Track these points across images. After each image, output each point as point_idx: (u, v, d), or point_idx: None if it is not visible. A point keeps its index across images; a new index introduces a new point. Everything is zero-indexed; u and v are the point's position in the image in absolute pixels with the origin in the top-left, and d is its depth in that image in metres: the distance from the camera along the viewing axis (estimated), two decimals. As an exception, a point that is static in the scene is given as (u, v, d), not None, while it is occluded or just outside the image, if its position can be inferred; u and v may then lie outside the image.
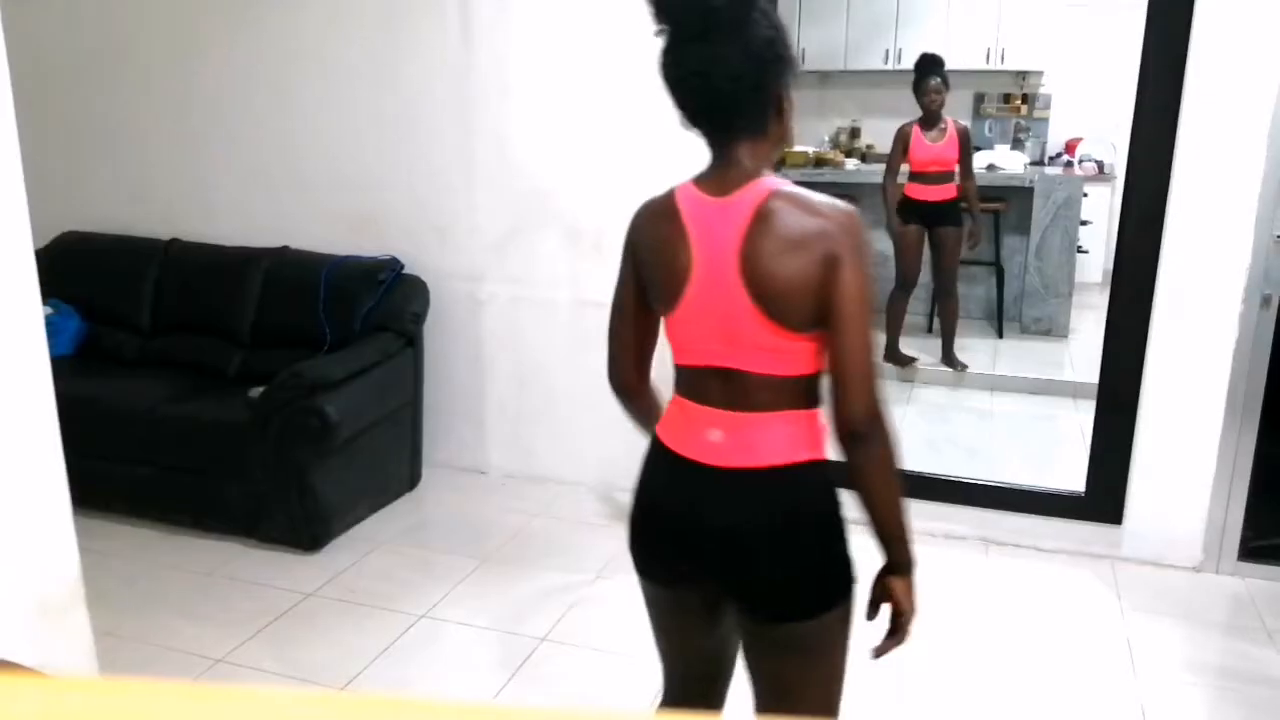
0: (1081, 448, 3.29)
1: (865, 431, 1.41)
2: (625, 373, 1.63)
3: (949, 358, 5.11)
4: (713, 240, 1.42)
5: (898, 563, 1.60)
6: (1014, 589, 3.13)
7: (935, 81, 4.74)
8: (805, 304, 1.39)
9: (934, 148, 4.83)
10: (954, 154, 4.83)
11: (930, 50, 4.94)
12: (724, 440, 1.45)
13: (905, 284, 5.09)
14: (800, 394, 1.45)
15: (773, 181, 1.42)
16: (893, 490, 1.47)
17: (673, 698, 1.72)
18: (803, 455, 1.45)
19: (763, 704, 1.58)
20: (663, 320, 1.55)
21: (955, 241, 5.00)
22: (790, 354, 1.42)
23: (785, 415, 1.44)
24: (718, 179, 1.44)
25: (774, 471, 1.44)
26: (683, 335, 1.49)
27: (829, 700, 1.59)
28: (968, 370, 5.09)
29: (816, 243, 1.37)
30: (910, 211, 4.97)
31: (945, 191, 4.90)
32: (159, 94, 4.10)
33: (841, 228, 1.39)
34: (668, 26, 1.39)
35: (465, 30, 3.61)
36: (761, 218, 1.39)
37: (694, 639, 1.64)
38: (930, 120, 4.82)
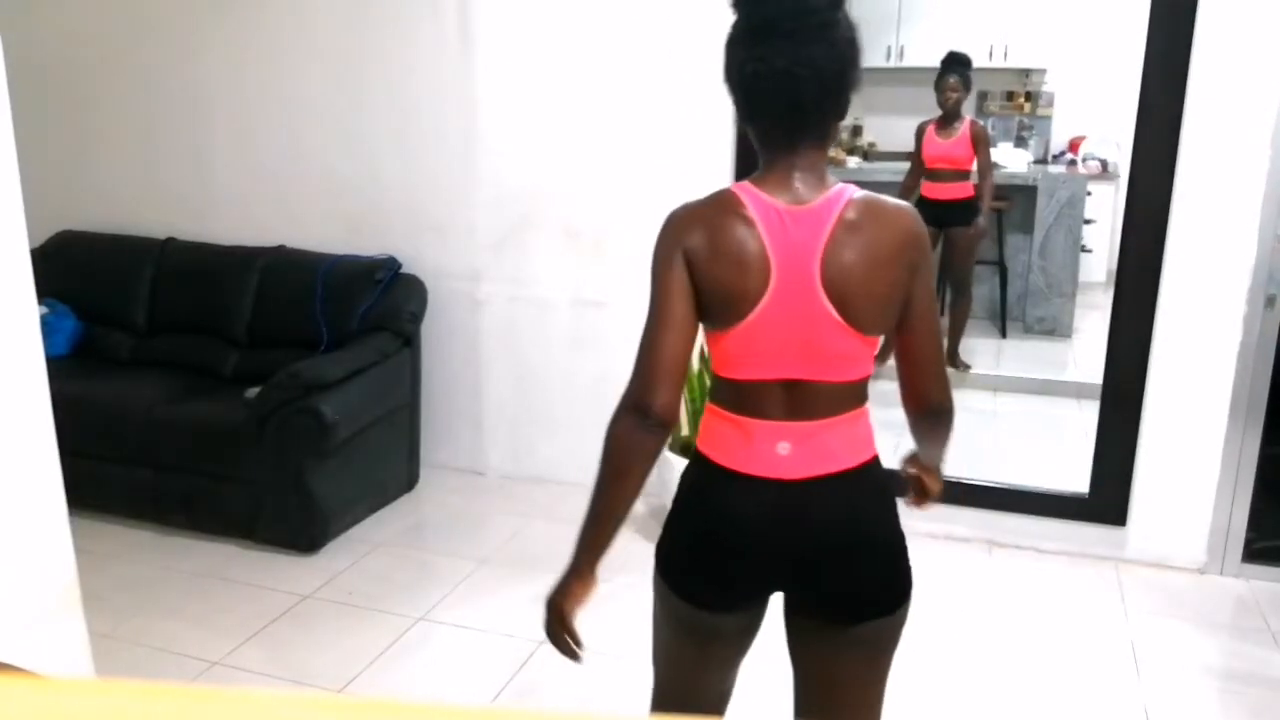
0: (1085, 448, 3.28)
1: (948, 409, 1.54)
2: (669, 398, 1.40)
3: (953, 358, 5.11)
4: (792, 250, 1.36)
5: (938, 469, 1.72)
6: (1017, 590, 3.12)
7: (953, 79, 4.78)
8: (888, 312, 1.42)
9: (943, 144, 4.87)
10: (965, 152, 4.85)
11: (959, 49, 4.94)
12: (793, 452, 1.42)
13: None
14: (858, 396, 1.47)
15: (846, 188, 1.40)
16: (946, 438, 1.61)
17: (670, 713, 1.66)
18: (867, 455, 1.47)
19: (824, 705, 1.56)
20: (709, 334, 1.45)
21: (967, 241, 5.01)
22: (860, 359, 1.43)
23: (846, 418, 1.45)
24: (784, 183, 1.39)
25: (846, 476, 1.44)
26: (747, 349, 1.41)
27: (881, 694, 1.59)
28: (970, 370, 5.08)
29: (903, 253, 1.39)
30: (923, 211, 4.97)
31: (957, 190, 4.92)
32: (156, 93, 4.09)
33: (921, 235, 1.42)
34: (756, 21, 1.35)
35: (464, 30, 3.60)
36: (844, 227, 1.37)
37: (724, 667, 1.60)
38: (947, 118, 4.86)
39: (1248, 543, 3.16)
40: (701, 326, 1.44)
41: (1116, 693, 2.60)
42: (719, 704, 1.65)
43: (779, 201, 1.38)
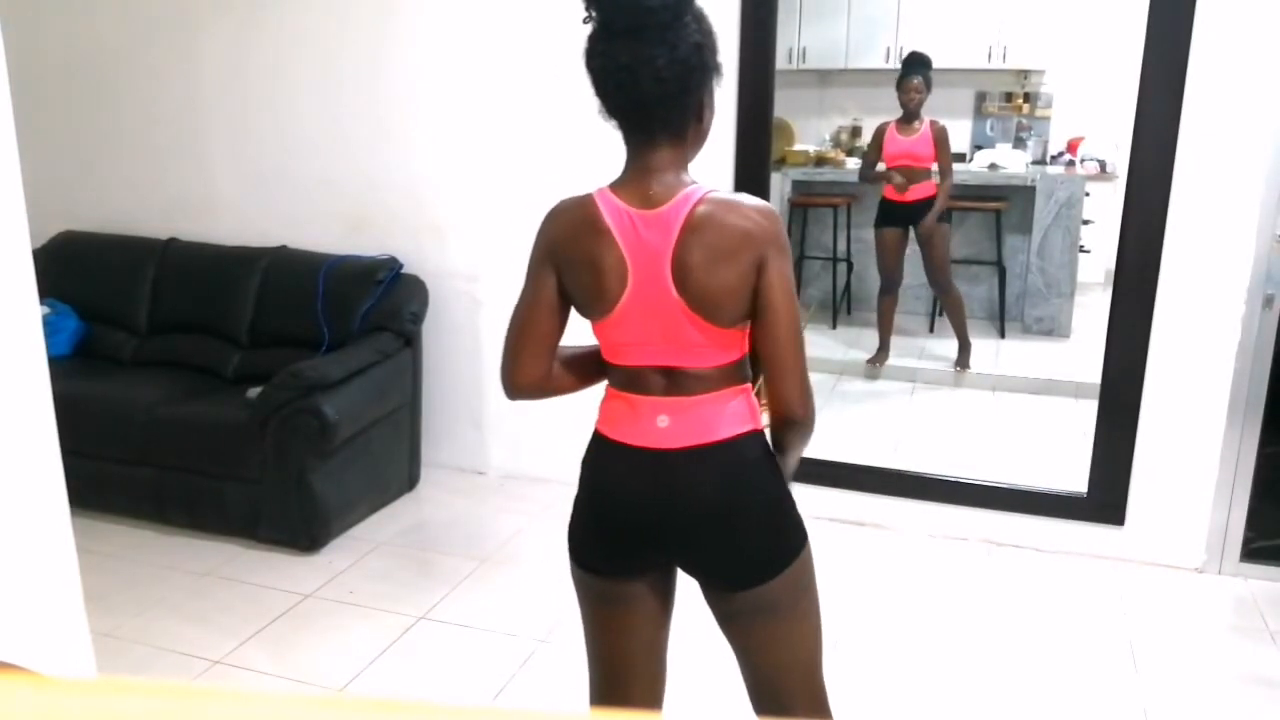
0: (1084, 448, 3.29)
1: (801, 418, 1.53)
2: (532, 370, 1.57)
3: (963, 356, 5.09)
4: (645, 253, 1.45)
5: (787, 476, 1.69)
6: (1016, 590, 3.13)
7: (916, 80, 4.81)
8: (738, 305, 1.47)
9: (905, 142, 4.88)
10: (926, 150, 4.86)
11: (920, 49, 4.98)
12: (671, 424, 1.51)
13: (887, 285, 5.15)
14: (732, 377, 1.54)
15: (696, 190, 1.46)
16: (799, 451, 1.63)
17: (608, 698, 1.71)
18: (745, 427, 1.54)
19: (755, 675, 1.65)
20: (590, 324, 1.56)
21: (938, 238, 5.02)
22: (723, 346, 1.51)
23: (724, 394, 1.53)
24: (639, 188, 1.47)
25: (721, 446, 1.52)
26: (618, 340, 1.53)
27: (814, 652, 1.67)
28: (967, 370, 5.08)
29: (745, 249, 1.44)
30: (887, 213, 5.03)
31: (919, 190, 4.93)
32: (157, 94, 4.10)
33: (766, 231, 1.45)
34: (602, 19, 1.41)
35: (463, 29, 3.60)
36: (690, 230, 1.44)
37: (643, 636, 1.67)
38: (908, 118, 4.87)
39: (1246, 542, 3.16)
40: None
41: (1115, 692, 2.60)
42: (652, 683, 1.72)
43: (632, 206, 1.47)
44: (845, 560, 3.29)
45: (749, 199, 1.48)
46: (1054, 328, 5.72)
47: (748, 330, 1.52)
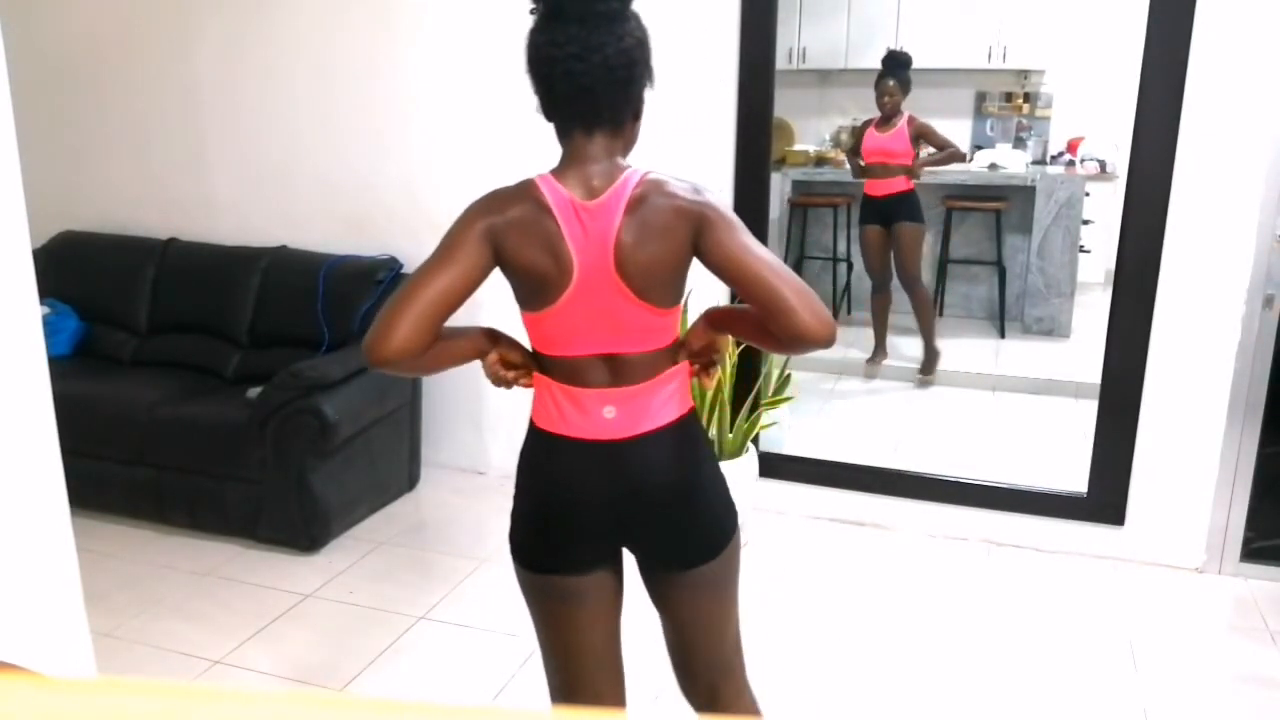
0: (1083, 448, 3.28)
1: (825, 338, 1.43)
2: (415, 340, 1.43)
3: (928, 363, 5.08)
4: (590, 242, 1.47)
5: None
6: (1016, 590, 3.13)
7: (890, 83, 4.84)
8: (674, 283, 1.52)
9: (880, 138, 4.92)
10: (902, 146, 4.89)
11: (902, 49, 5.02)
12: (619, 414, 1.54)
13: (876, 284, 5.17)
14: (669, 357, 1.58)
15: (633, 173, 1.49)
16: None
17: (577, 695, 1.73)
18: (684, 409, 1.59)
19: (691, 650, 1.71)
20: (525, 316, 1.56)
21: (911, 237, 5.04)
22: (665, 329, 1.55)
23: (663, 378, 1.56)
24: (580, 178, 1.49)
25: (668, 429, 1.56)
26: (559, 331, 1.52)
27: (736, 623, 1.75)
28: (932, 380, 5.06)
29: (676, 227, 1.46)
30: (868, 210, 5.06)
31: (894, 184, 4.96)
32: (157, 93, 4.10)
33: (694, 204, 1.47)
34: (550, 6, 1.44)
35: (462, 29, 3.60)
36: (628, 214, 1.46)
37: (601, 631, 1.70)
38: (885, 119, 4.91)
39: (1246, 542, 3.16)
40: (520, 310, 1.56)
41: (1115, 692, 2.60)
42: (615, 673, 1.75)
43: (575, 195, 1.48)
44: (845, 560, 3.29)
45: (678, 178, 1.50)
46: (1054, 328, 5.72)
47: (679, 312, 1.58)
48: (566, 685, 1.73)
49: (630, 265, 1.46)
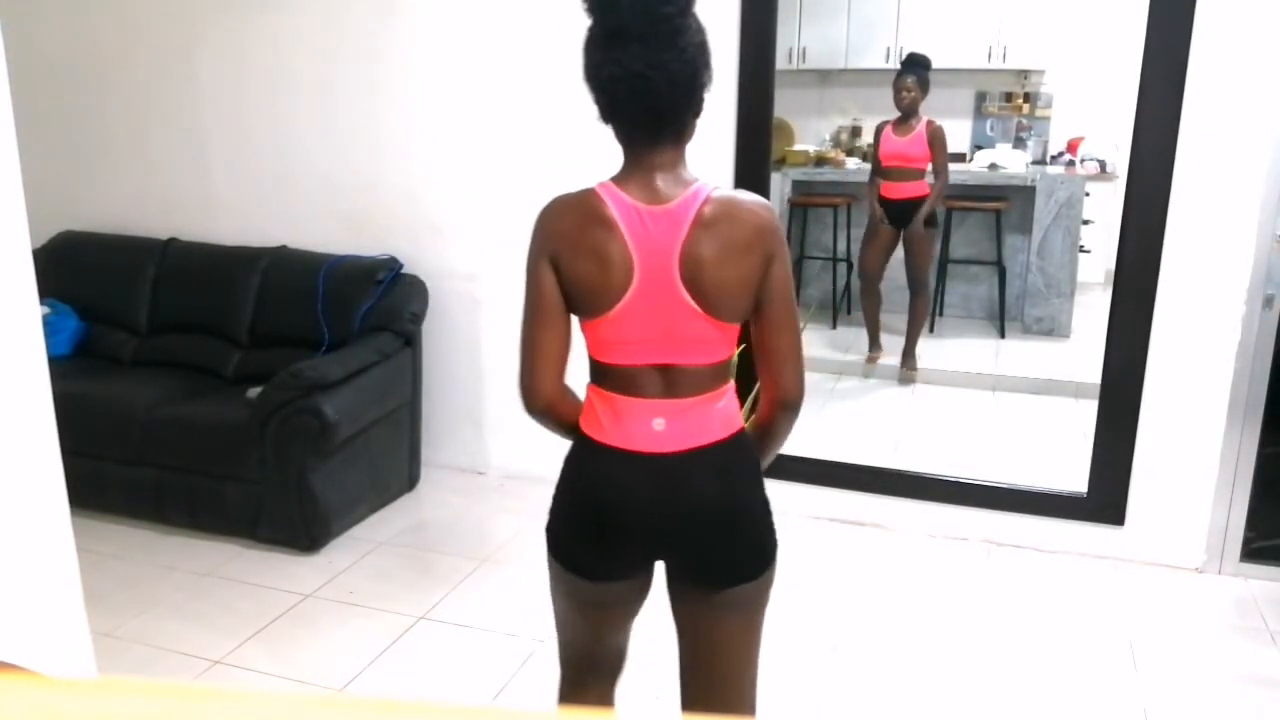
0: (1083, 448, 3.28)
1: (797, 404, 1.60)
2: (550, 385, 1.57)
3: (907, 357, 5.09)
4: (653, 248, 1.46)
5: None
6: (1016, 590, 3.13)
7: (909, 80, 4.82)
8: (745, 301, 1.51)
9: (899, 142, 4.90)
10: (920, 151, 4.87)
11: (920, 50, 5.00)
12: (667, 427, 1.53)
13: (866, 282, 5.17)
14: (723, 375, 1.58)
15: (702, 187, 1.48)
16: (784, 440, 1.70)
17: (579, 693, 1.78)
18: (734, 428, 1.58)
19: (706, 672, 1.69)
20: (581, 323, 1.56)
21: (924, 242, 5.04)
22: (722, 343, 1.54)
23: (714, 395, 1.56)
24: (644, 184, 1.48)
25: (716, 447, 1.55)
26: (616, 337, 1.52)
27: (756, 653, 1.71)
28: (917, 373, 5.06)
29: (755, 245, 1.47)
30: (882, 211, 5.03)
31: (912, 189, 4.95)
32: (157, 93, 4.10)
33: (773, 225, 1.50)
34: (610, 26, 1.41)
35: (463, 28, 3.60)
36: (699, 225, 1.45)
37: (619, 633, 1.73)
38: (903, 117, 4.89)
39: (1246, 542, 3.16)
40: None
41: (1115, 692, 2.60)
42: (617, 661, 1.80)
43: (639, 201, 1.48)
44: (845, 560, 3.29)
45: (752, 195, 1.52)
46: (1054, 328, 5.72)
47: (738, 329, 1.56)
48: (574, 667, 1.78)
49: (701, 278, 1.45)
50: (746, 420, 1.65)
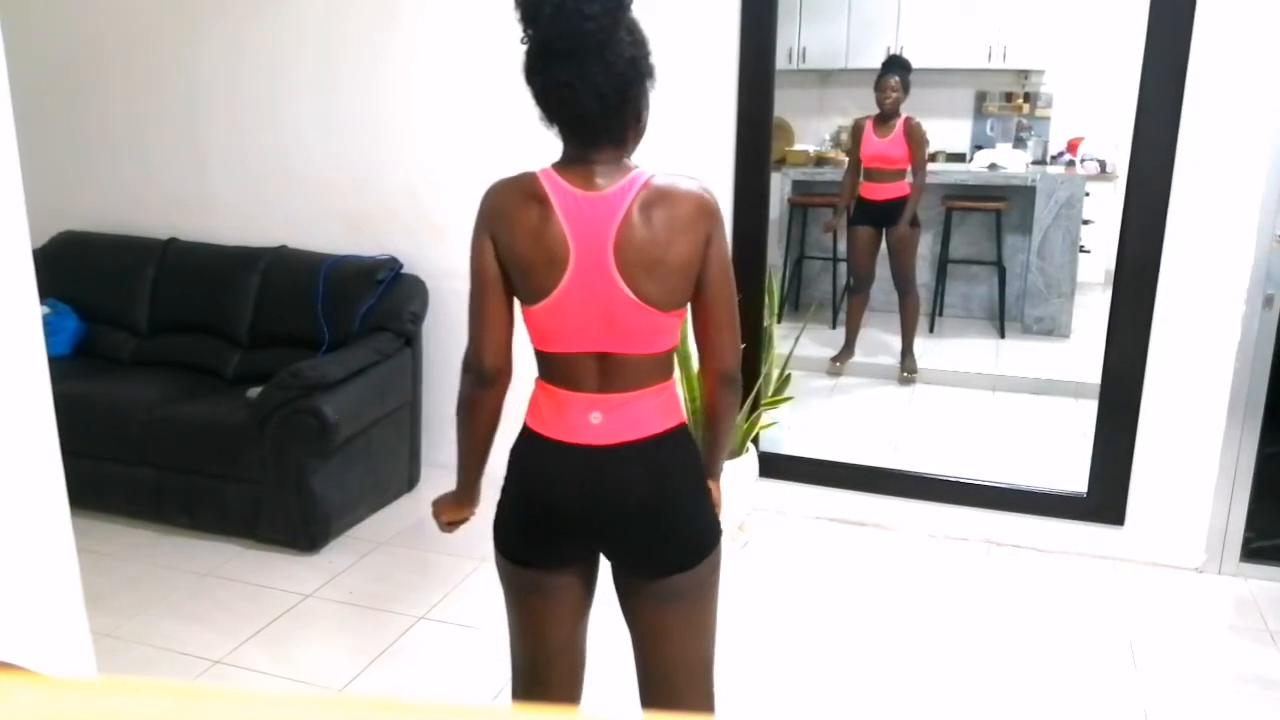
0: (1083, 448, 3.28)
1: (735, 376, 1.64)
2: (497, 353, 1.61)
3: (906, 359, 5.10)
4: (588, 234, 1.48)
5: (718, 471, 1.79)
6: (1016, 590, 3.13)
7: (892, 80, 4.84)
8: (684, 286, 1.53)
9: (880, 143, 4.91)
10: (900, 151, 4.88)
11: (904, 54, 5.03)
12: (604, 421, 1.55)
13: (858, 283, 5.17)
14: (664, 368, 1.60)
15: (641, 173, 1.50)
16: (734, 421, 1.75)
17: (537, 690, 1.76)
18: (672, 422, 1.60)
19: (652, 663, 1.71)
20: (521, 309, 1.58)
21: (908, 242, 5.04)
22: (662, 333, 1.55)
23: (654, 389, 1.58)
24: (582, 173, 1.51)
25: (652, 441, 1.57)
26: (554, 324, 1.54)
27: (712, 638, 1.73)
28: (916, 375, 5.06)
29: (695, 224, 1.50)
30: (862, 212, 5.06)
31: (893, 190, 4.96)
32: (157, 94, 4.10)
33: (710, 209, 1.52)
34: (540, 39, 1.45)
35: (463, 28, 3.60)
36: (636, 209, 1.48)
37: (568, 624, 1.72)
38: (884, 117, 4.90)
39: (1246, 542, 3.16)
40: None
41: (1115, 692, 2.60)
42: (568, 669, 1.77)
43: (576, 188, 1.50)
44: (845, 560, 3.29)
45: (694, 179, 1.54)
46: (1054, 328, 5.72)
47: (681, 317, 1.57)
48: (523, 675, 1.77)
49: (632, 261, 1.47)
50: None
